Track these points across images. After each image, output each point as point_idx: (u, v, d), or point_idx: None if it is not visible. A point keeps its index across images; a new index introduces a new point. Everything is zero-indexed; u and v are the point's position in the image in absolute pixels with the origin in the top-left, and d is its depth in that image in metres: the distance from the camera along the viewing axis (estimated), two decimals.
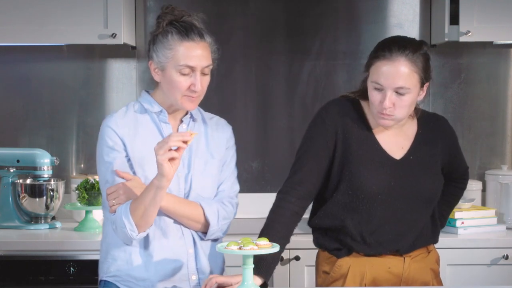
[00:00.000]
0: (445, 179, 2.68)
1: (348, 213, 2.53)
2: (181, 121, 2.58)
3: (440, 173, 2.63)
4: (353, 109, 2.58)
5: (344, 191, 2.53)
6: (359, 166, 2.52)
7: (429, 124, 2.65)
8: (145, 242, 2.51)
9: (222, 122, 2.67)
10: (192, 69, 2.46)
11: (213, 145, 2.59)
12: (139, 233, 2.45)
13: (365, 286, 2.54)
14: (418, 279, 2.58)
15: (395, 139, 2.58)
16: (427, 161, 2.59)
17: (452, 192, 2.79)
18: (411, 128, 2.62)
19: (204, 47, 2.48)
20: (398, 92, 2.46)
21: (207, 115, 2.66)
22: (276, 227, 2.48)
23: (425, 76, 2.50)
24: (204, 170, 2.56)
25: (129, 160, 2.50)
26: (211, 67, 2.50)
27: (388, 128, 2.57)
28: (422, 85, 2.51)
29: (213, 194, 2.58)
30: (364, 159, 2.53)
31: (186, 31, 2.47)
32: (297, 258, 3.34)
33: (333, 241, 2.59)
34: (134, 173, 2.50)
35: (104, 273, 2.58)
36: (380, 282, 2.56)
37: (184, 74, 2.46)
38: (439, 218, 2.71)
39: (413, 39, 2.54)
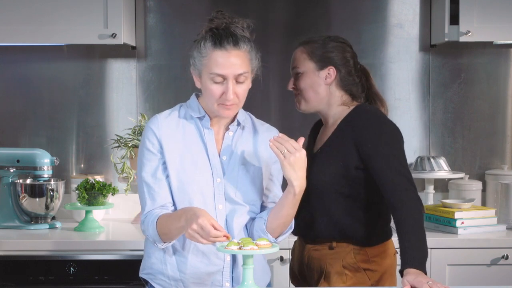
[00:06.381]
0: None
1: None
2: (228, 128, 2.54)
3: (339, 168, 2.60)
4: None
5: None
6: None
7: (350, 117, 2.64)
8: (182, 244, 2.49)
9: (272, 130, 2.61)
10: (224, 77, 2.42)
11: (260, 153, 2.54)
12: (164, 243, 2.46)
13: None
14: (314, 267, 2.68)
15: (324, 132, 2.71)
16: (329, 155, 2.63)
17: (395, 220, 2.53)
18: (338, 121, 2.68)
19: (238, 55, 2.42)
20: None
21: (258, 122, 2.62)
22: None
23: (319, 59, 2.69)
24: (245, 176, 2.52)
25: (164, 163, 2.49)
26: (247, 74, 2.45)
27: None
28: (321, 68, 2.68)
29: (253, 201, 2.54)
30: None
31: (221, 39, 2.42)
32: None
33: None
34: (167, 176, 2.49)
35: (141, 270, 2.59)
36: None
37: (216, 82, 2.43)
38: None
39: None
